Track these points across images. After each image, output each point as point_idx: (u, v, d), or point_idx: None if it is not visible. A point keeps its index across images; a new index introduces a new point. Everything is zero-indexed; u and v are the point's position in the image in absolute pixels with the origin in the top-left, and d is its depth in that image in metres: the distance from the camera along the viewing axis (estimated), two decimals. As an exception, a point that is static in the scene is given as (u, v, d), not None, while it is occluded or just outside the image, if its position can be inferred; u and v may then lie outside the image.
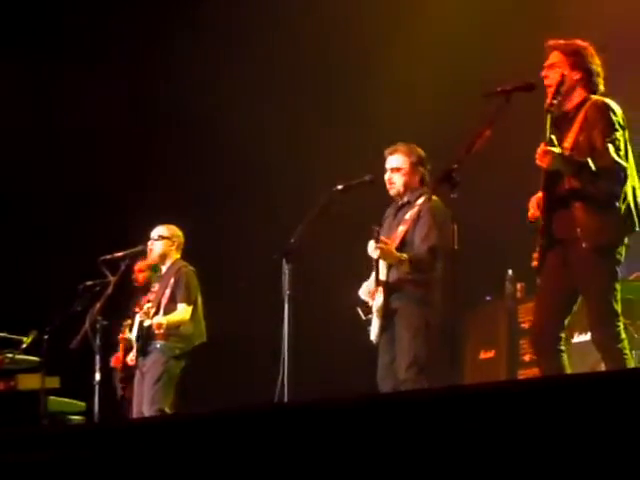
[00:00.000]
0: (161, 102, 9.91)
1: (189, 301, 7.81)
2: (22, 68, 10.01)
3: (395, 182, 6.57)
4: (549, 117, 5.30)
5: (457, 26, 8.83)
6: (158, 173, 9.93)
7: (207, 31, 9.80)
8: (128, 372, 8.43)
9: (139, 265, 8.83)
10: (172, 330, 7.77)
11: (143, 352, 7.83)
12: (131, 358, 8.01)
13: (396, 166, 6.57)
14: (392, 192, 6.61)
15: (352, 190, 6.59)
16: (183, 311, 7.80)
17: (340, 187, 6.57)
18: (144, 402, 7.73)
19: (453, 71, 8.76)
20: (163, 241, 8.05)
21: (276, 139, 9.62)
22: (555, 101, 5.33)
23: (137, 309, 8.06)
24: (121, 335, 8.45)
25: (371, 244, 6.33)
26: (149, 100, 9.93)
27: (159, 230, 8.11)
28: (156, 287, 8.03)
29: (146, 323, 7.77)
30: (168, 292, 7.80)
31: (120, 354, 8.45)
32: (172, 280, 7.82)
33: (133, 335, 8.05)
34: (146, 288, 8.61)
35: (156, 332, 7.72)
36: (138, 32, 9.96)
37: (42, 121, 10.03)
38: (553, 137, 5.29)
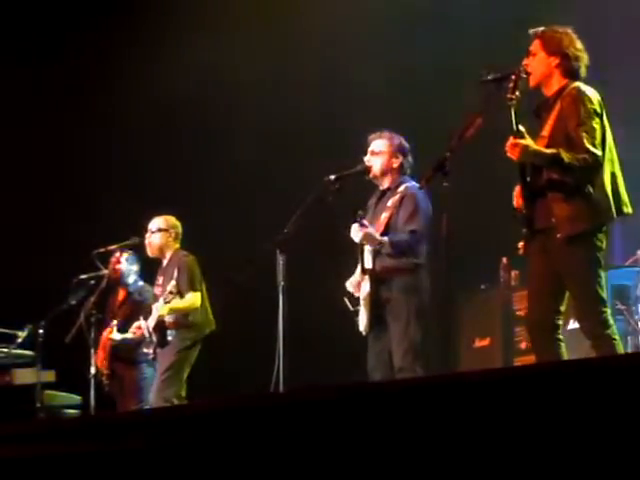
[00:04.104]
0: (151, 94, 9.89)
1: (195, 288, 7.74)
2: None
3: (373, 165, 6.63)
4: (512, 110, 5.26)
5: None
6: (151, 165, 9.90)
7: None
8: (112, 369, 8.41)
9: (116, 257, 8.58)
10: (181, 319, 7.73)
11: (161, 344, 7.79)
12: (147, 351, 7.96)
13: (376, 150, 6.65)
14: (370, 175, 6.66)
15: (345, 180, 6.61)
16: (192, 297, 7.71)
17: (333, 177, 6.60)
18: (152, 390, 7.77)
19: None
20: (161, 233, 8.01)
21: (269, 132, 9.62)
22: (514, 96, 5.29)
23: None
24: (106, 335, 8.39)
25: (354, 227, 6.36)
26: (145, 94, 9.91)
27: (156, 222, 8.06)
28: (160, 280, 7.95)
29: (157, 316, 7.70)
30: (173, 283, 7.72)
31: (100, 352, 8.39)
32: (175, 271, 7.75)
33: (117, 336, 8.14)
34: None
35: (166, 321, 7.70)
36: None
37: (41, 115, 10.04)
38: (522, 129, 5.27)
